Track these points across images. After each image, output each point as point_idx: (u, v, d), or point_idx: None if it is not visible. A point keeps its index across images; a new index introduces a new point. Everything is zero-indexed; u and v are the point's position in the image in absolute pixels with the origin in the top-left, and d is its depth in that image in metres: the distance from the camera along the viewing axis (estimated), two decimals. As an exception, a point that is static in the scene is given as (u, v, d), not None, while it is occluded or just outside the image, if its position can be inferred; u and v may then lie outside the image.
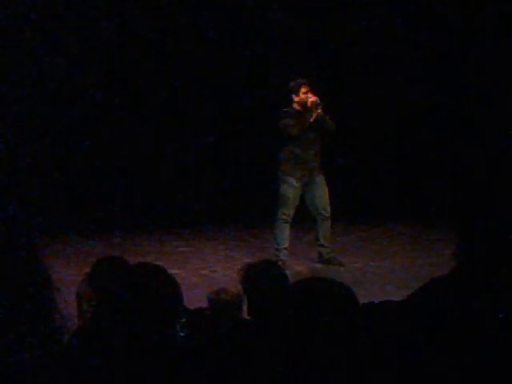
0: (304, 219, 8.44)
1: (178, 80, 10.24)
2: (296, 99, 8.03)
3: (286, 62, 9.75)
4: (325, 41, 10.29)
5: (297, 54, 10.07)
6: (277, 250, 8.12)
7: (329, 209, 8.16)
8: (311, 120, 7.89)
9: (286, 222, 8.10)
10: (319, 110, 7.89)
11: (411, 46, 10.35)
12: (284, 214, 8.08)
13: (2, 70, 9.23)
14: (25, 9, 9.30)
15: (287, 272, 4.09)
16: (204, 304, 4.35)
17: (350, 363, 2.16)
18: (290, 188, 8.08)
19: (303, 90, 7.97)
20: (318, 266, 8.24)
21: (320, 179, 8.16)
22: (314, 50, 10.25)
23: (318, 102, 7.89)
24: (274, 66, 9.93)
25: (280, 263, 7.56)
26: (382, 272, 7.98)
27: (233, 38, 10.29)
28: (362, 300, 2.80)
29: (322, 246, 8.26)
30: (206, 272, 8.13)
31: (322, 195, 8.16)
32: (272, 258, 7.52)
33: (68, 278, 7.57)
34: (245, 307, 3.85)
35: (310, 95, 7.94)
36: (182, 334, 2.75)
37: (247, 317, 3.74)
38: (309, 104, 7.89)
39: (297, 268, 8.08)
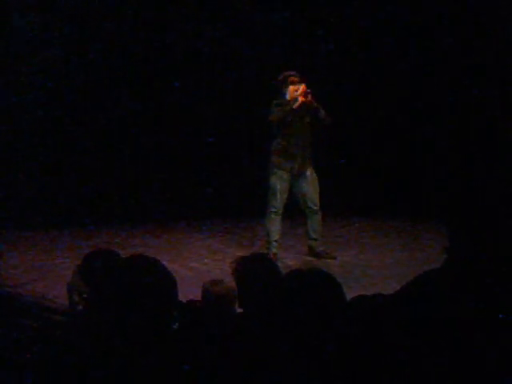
0: (295, 212, 8.45)
1: (178, 80, 10.27)
2: (284, 91, 8.03)
3: (285, 61, 9.73)
4: (324, 39, 10.30)
5: (295, 52, 10.07)
6: (268, 242, 8.14)
7: (318, 202, 8.17)
8: (294, 106, 7.87)
9: (277, 215, 8.11)
10: (307, 98, 7.87)
11: (411, 44, 10.34)
12: (274, 206, 8.09)
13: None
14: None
15: (278, 265, 4.10)
16: (194, 296, 4.35)
17: (341, 354, 2.17)
18: (279, 180, 8.08)
19: (290, 80, 7.96)
20: (309, 259, 8.25)
21: (310, 173, 8.16)
22: (313, 48, 10.26)
23: (307, 90, 7.87)
24: (273, 65, 9.91)
25: (271, 256, 7.59)
26: (372, 265, 8.00)
27: (233, 37, 10.29)
28: (353, 293, 2.82)
29: (312, 239, 8.28)
30: (196, 265, 8.14)
31: (311, 189, 8.16)
32: (263, 251, 7.55)
33: (60, 270, 7.60)
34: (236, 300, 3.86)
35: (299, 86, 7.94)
36: (173, 326, 2.75)
37: (239, 309, 3.75)
38: (298, 93, 7.88)
39: (288, 261, 8.09)
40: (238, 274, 3.66)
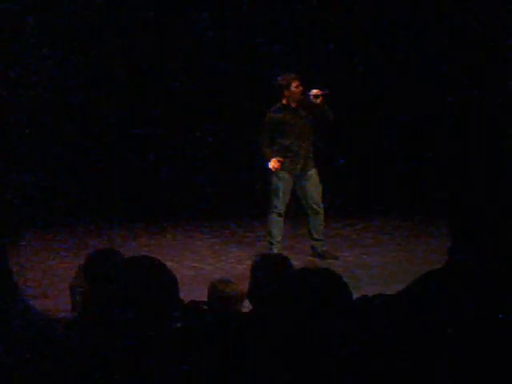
0: (297, 213, 8.44)
1: (178, 80, 10.28)
2: (287, 94, 8.00)
3: (285, 60, 9.73)
4: (323, 38, 10.29)
5: (294, 51, 10.06)
6: (270, 243, 8.12)
7: (321, 203, 8.16)
8: (271, 166, 7.87)
9: (279, 215, 8.10)
10: (318, 101, 7.82)
11: (411, 44, 10.33)
12: (276, 207, 8.08)
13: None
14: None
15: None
16: (196, 296, 4.36)
17: (343, 354, 2.17)
18: (281, 181, 8.06)
19: (295, 84, 7.93)
20: (312, 259, 8.25)
21: (313, 173, 8.13)
22: (313, 48, 10.25)
23: (320, 93, 7.80)
24: (274, 64, 9.91)
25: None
26: (375, 266, 7.99)
27: (232, 36, 10.29)
28: (355, 294, 2.82)
29: (315, 239, 8.26)
30: (198, 265, 8.14)
31: (314, 189, 8.14)
32: (265, 252, 7.54)
33: (62, 270, 7.61)
34: (244, 300, 3.86)
35: (302, 89, 7.92)
36: (175, 326, 2.76)
37: (248, 306, 3.75)
38: (311, 97, 7.82)
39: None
40: (254, 271, 3.63)
